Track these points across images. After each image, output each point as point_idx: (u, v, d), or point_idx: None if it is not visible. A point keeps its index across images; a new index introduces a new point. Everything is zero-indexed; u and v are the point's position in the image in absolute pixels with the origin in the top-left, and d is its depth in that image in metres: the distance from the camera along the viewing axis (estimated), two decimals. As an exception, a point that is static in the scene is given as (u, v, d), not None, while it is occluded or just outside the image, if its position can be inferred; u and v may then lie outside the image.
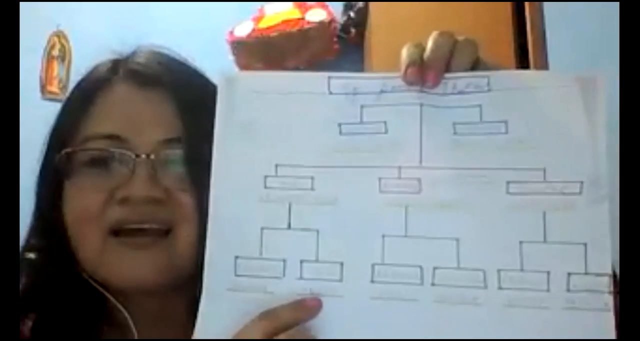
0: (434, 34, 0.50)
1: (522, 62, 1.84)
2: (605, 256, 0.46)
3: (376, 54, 2.06)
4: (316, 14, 2.43)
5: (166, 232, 0.58)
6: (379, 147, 0.49)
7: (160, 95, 0.61)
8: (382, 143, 0.49)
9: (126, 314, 0.60)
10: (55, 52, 2.87)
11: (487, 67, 0.50)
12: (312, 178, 0.49)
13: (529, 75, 0.50)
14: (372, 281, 0.48)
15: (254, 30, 2.48)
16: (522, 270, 0.47)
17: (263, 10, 2.54)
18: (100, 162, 0.59)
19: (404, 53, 0.50)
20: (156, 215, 0.57)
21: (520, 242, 0.47)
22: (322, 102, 0.50)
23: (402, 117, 0.49)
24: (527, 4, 1.79)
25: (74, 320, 0.60)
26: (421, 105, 0.49)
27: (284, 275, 0.49)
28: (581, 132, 0.47)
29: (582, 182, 0.47)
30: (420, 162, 0.49)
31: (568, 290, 0.46)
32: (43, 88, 2.68)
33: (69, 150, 0.60)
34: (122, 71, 0.64)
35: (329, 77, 0.51)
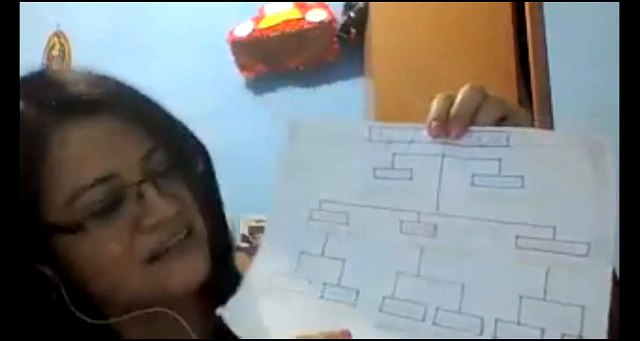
0: (465, 87, 0.52)
1: (522, 62, 1.84)
2: (602, 321, 0.46)
3: (376, 54, 2.06)
4: (316, 14, 2.43)
5: (190, 232, 0.59)
6: (404, 191, 0.54)
7: (107, 116, 0.57)
8: (406, 189, 0.54)
9: (179, 317, 0.61)
10: (55, 52, 2.87)
11: (516, 121, 0.52)
12: (347, 214, 0.56)
13: (548, 135, 0.51)
14: (380, 310, 0.52)
15: (254, 30, 2.48)
16: (518, 323, 0.48)
17: (263, 10, 2.54)
18: (105, 206, 0.55)
19: (433, 105, 0.53)
20: (181, 223, 0.58)
21: (521, 296, 0.48)
22: (362, 147, 0.56)
23: (425, 166, 0.53)
24: (527, 4, 1.79)
25: None
26: (443, 156, 0.53)
27: (307, 291, 0.55)
28: (592, 194, 0.48)
29: (589, 244, 0.47)
30: (437, 208, 0.52)
31: None
32: (43, 88, 2.68)
33: (77, 217, 0.54)
34: (56, 108, 0.56)
35: (370, 126, 0.56)
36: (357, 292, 0.53)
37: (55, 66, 2.85)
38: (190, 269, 0.58)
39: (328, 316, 0.53)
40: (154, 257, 0.57)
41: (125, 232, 0.56)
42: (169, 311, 0.60)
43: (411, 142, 0.54)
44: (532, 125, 0.54)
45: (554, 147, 0.50)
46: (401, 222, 0.54)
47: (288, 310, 0.55)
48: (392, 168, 0.55)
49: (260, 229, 2.49)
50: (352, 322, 0.52)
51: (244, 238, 2.49)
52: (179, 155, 0.59)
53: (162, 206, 0.56)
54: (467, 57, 1.93)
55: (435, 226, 0.52)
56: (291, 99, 2.54)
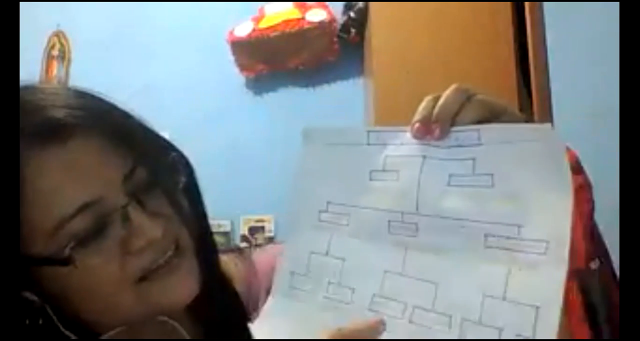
0: (449, 89, 0.53)
1: (522, 62, 1.84)
2: (554, 322, 0.46)
3: (376, 54, 2.06)
4: (316, 14, 2.43)
5: (179, 246, 0.59)
6: (391, 192, 0.56)
7: (86, 141, 0.55)
8: (393, 190, 0.56)
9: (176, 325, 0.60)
10: (55, 52, 2.88)
11: (503, 122, 0.52)
12: (348, 215, 0.59)
13: (518, 129, 0.51)
14: (369, 309, 0.54)
15: (254, 30, 2.48)
16: (480, 323, 0.49)
17: (263, 10, 2.54)
18: (91, 234, 0.54)
19: (419, 107, 0.54)
20: (168, 241, 0.57)
21: (484, 295, 0.49)
22: (362, 152, 0.58)
23: (408, 167, 0.55)
24: (527, 4, 1.79)
25: None
26: (424, 157, 0.54)
27: (316, 291, 0.58)
28: (551, 190, 0.48)
29: (547, 242, 0.47)
30: (417, 208, 0.54)
31: None
32: (43, 88, 2.68)
33: (63, 247, 0.53)
34: (29, 135, 0.54)
35: (368, 131, 0.58)
36: (353, 291, 0.56)
37: (55, 66, 2.85)
38: (182, 285, 0.58)
39: (327, 315, 0.56)
40: (145, 277, 0.56)
41: (114, 256, 0.54)
42: (171, 321, 0.60)
43: (401, 144, 0.56)
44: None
45: (519, 142, 0.50)
46: (389, 222, 0.56)
47: (300, 310, 0.58)
48: (384, 170, 0.57)
49: (261, 229, 2.49)
50: (346, 321, 0.53)
51: (244, 238, 2.49)
52: (160, 170, 0.58)
53: (150, 227, 0.55)
54: (467, 57, 1.93)
55: (416, 225, 0.54)
56: (291, 99, 2.55)
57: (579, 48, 1.63)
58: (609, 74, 1.30)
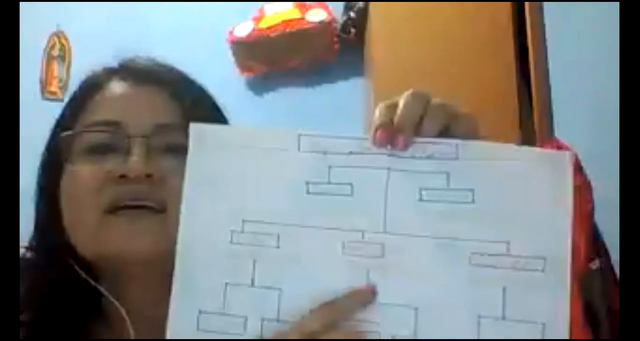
0: (406, 94, 0.49)
1: (522, 62, 1.84)
2: (563, 338, 0.44)
3: (376, 53, 2.06)
4: (316, 14, 2.43)
5: (160, 211, 0.59)
6: (344, 209, 0.49)
7: (155, 88, 0.65)
8: (347, 206, 0.49)
9: (121, 309, 0.61)
10: (55, 52, 2.87)
11: (460, 128, 0.49)
12: (277, 235, 0.49)
13: (498, 148, 0.48)
14: None
15: (254, 30, 2.48)
16: None
17: (263, 10, 2.54)
18: (99, 148, 0.61)
19: (377, 113, 0.49)
20: (151, 193, 0.59)
21: (479, 316, 0.47)
22: (291, 159, 0.50)
23: (368, 180, 0.49)
24: (527, 4, 1.79)
25: (68, 320, 0.61)
26: (389, 169, 0.49)
27: (245, 332, 0.48)
28: (546, 208, 0.47)
29: (545, 259, 0.46)
30: (385, 226, 0.49)
31: None
32: (43, 88, 2.68)
33: (69, 133, 0.62)
34: (119, 70, 0.69)
35: (299, 135, 0.50)
36: None
37: (55, 66, 2.85)
38: (137, 235, 0.58)
39: None
40: (111, 210, 0.59)
41: (100, 173, 0.59)
42: (110, 297, 0.61)
43: (350, 153, 0.49)
44: (478, 135, 0.49)
45: (507, 160, 0.48)
46: (343, 242, 0.49)
47: None
48: (329, 182, 0.50)
49: (260, 229, 2.49)
50: None
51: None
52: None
53: (137, 162, 0.58)
54: (467, 58, 1.93)
55: (383, 245, 0.48)
56: (291, 99, 2.54)
57: (579, 48, 1.64)
58: (609, 74, 1.31)
